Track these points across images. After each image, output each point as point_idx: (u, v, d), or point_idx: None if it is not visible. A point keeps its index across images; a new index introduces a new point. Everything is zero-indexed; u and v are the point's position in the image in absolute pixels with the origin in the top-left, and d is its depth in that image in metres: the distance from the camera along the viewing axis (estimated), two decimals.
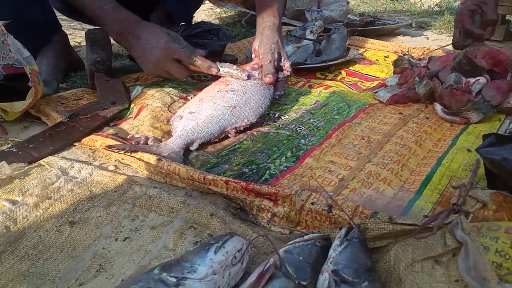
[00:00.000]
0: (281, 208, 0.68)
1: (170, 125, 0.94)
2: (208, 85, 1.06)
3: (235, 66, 1.04)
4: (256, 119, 0.97)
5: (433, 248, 0.51)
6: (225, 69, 1.04)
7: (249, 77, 1.01)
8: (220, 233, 0.62)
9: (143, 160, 0.81)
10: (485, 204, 0.60)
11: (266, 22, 1.13)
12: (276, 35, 1.11)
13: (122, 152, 0.83)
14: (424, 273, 0.49)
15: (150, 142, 0.88)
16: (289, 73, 1.10)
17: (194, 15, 1.67)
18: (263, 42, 1.09)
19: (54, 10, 1.29)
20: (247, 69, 1.05)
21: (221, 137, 0.92)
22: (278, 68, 1.08)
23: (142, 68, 1.08)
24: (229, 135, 0.93)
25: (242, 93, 0.99)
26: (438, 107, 1.03)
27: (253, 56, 1.12)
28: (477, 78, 1.02)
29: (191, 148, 0.88)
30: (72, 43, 1.54)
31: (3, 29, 0.99)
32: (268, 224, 0.68)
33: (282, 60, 1.10)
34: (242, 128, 0.95)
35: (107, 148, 0.85)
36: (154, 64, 1.03)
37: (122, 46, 1.13)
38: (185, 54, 1.02)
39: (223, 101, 0.96)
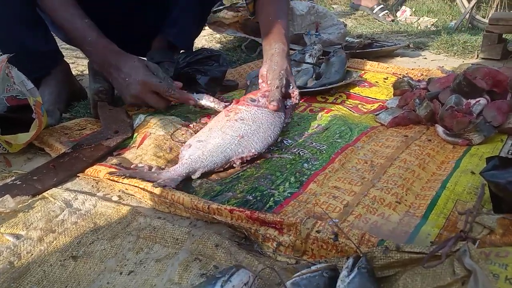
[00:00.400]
0: (286, 237, 0.68)
1: (179, 153, 0.94)
2: (211, 113, 1.07)
3: (212, 98, 1.09)
4: (264, 150, 0.96)
5: (442, 277, 0.51)
6: (202, 101, 1.09)
7: (225, 107, 1.04)
8: (225, 264, 0.62)
9: (147, 190, 0.81)
10: (492, 230, 0.60)
11: (275, 49, 1.13)
12: (285, 62, 1.12)
13: (122, 178, 0.83)
14: None
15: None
16: (297, 101, 1.10)
17: (195, 41, 1.69)
18: (272, 68, 1.09)
19: (56, 39, 1.31)
20: (258, 96, 1.05)
21: (225, 167, 0.92)
22: (286, 95, 1.09)
23: (123, 99, 1.14)
24: (234, 165, 0.92)
25: (252, 122, 0.98)
26: (439, 129, 1.03)
27: (260, 82, 1.13)
28: (477, 99, 1.03)
29: (193, 177, 0.87)
30: (74, 72, 1.56)
31: (7, 61, 1.00)
32: (273, 253, 0.68)
33: (291, 87, 1.10)
34: (248, 158, 0.93)
35: (108, 174, 0.85)
36: (133, 96, 1.09)
37: (105, 76, 1.16)
38: (162, 87, 1.07)
39: (231, 130, 0.95)
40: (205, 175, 0.89)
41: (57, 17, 1.13)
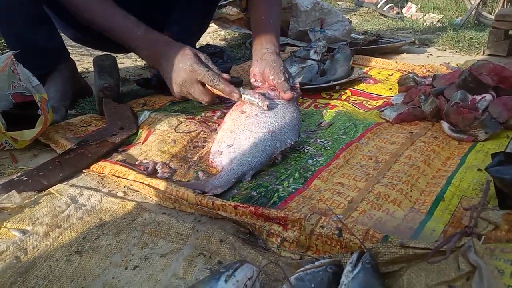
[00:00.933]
0: (290, 232, 0.68)
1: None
2: (216, 109, 1.07)
3: (257, 94, 1.00)
4: (297, 138, 0.97)
5: (447, 273, 0.50)
6: (247, 96, 1.00)
7: (268, 107, 0.97)
8: (230, 259, 0.62)
9: (151, 186, 0.81)
10: (497, 226, 0.60)
11: (267, 49, 1.13)
12: (280, 60, 1.12)
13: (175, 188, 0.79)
14: None
15: (158, 167, 0.88)
16: (300, 92, 1.10)
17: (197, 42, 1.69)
18: (271, 65, 1.09)
19: (63, 37, 1.32)
20: (266, 90, 1.05)
21: (269, 164, 0.91)
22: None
23: (171, 92, 1.10)
24: (276, 160, 0.92)
25: (274, 114, 0.98)
26: (445, 125, 1.03)
27: (253, 81, 1.12)
28: (483, 95, 1.02)
29: (243, 181, 0.86)
30: (79, 69, 1.57)
31: (13, 58, 1.01)
32: (278, 249, 0.68)
33: (291, 81, 1.10)
34: (288, 150, 0.94)
35: (163, 185, 0.81)
36: (178, 86, 1.06)
37: (154, 68, 1.17)
38: (208, 77, 1.01)
39: (257, 127, 0.94)
40: (210, 171, 0.90)
41: (96, 17, 1.12)
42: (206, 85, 1.03)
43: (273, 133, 0.93)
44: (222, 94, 1.02)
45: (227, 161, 0.89)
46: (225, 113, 1.10)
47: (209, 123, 1.08)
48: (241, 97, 1.00)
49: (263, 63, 1.10)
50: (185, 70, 1.03)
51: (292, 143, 0.94)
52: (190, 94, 1.06)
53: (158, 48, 1.09)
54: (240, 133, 0.94)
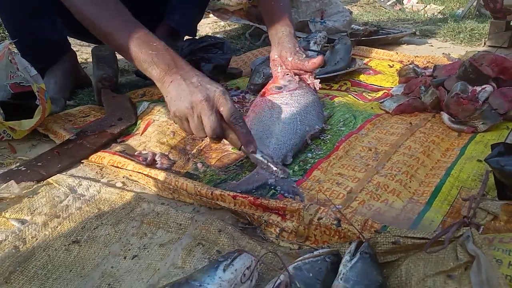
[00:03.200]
0: (289, 223, 0.68)
1: (183, 137, 0.92)
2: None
3: (272, 159, 0.84)
4: (323, 124, 1.00)
5: (445, 262, 0.51)
6: (261, 157, 0.82)
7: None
8: (228, 249, 0.62)
9: (150, 176, 0.81)
10: (496, 216, 0.59)
11: (282, 32, 1.12)
12: (295, 40, 1.12)
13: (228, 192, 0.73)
14: None
15: (157, 158, 0.88)
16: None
17: (198, 28, 1.68)
18: (286, 47, 1.09)
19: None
20: (281, 82, 1.06)
21: (303, 147, 0.93)
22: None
23: (169, 106, 0.82)
24: (308, 141, 0.94)
25: (298, 104, 1.00)
26: (445, 116, 1.02)
27: (272, 65, 1.12)
28: (483, 86, 1.01)
29: (286, 162, 0.87)
30: (78, 59, 1.56)
31: (11, 48, 1.00)
32: (276, 239, 0.68)
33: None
34: (317, 135, 0.96)
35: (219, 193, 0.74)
36: (191, 102, 0.79)
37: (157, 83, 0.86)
38: (234, 111, 0.81)
39: (285, 114, 0.96)
40: (209, 161, 0.90)
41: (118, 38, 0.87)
42: (225, 118, 0.81)
43: (301, 119, 0.95)
44: (233, 140, 0.82)
45: (262, 148, 0.87)
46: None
47: None
48: (254, 153, 0.82)
49: (279, 47, 1.10)
50: (213, 91, 0.80)
51: (319, 128, 0.97)
52: (199, 118, 0.80)
53: (182, 65, 0.84)
54: (268, 120, 0.95)
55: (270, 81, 1.10)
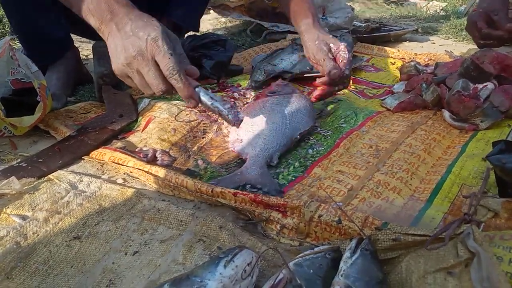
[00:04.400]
0: (290, 219, 0.68)
1: (184, 134, 0.93)
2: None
3: (218, 101, 0.80)
4: (314, 122, 0.99)
5: (445, 259, 0.51)
6: (206, 101, 0.78)
7: (237, 118, 0.80)
8: (229, 246, 0.62)
9: (151, 173, 0.81)
10: (496, 213, 0.59)
11: (301, 27, 1.10)
12: (314, 32, 1.07)
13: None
14: (436, 285, 0.49)
15: (158, 155, 0.88)
16: (345, 52, 1.05)
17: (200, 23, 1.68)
18: (308, 46, 1.06)
19: None
20: (274, 88, 1.07)
21: (290, 146, 0.92)
22: (337, 56, 1.05)
23: (112, 62, 0.78)
24: (295, 138, 0.94)
25: (287, 103, 1.00)
26: (446, 113, 1.02)
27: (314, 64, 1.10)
28: (485, 84, 1.01)
29: (271, 163, 0.86)
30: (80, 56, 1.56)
31: (11, 44, 1.00)
32: (277, 236, 0.68)
33: (333, 47, 1.05)
34: (305, 133, 0.96)
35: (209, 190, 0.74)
36: (127, 58, 0.74)
37: (99, 34, 0.81)
38: (169, 62, 0.73)
39: (275, 114, 0.96)
40: (210, 158, 0.90)
41: None
42: (162, 70, 0.74)
43: (291, 118, 0.95)
44: (174, 92, 0.78)
45: (249, 147, 0.88)
46: (225, 102, 1.11)
47: (209, 113, 1.07)
48: (198, 103, 0.78)
49: (305, 49, 1.08)
50: (145, 40, 0.73)
51: (309, 127, 0.97)
52: (139, 74, 0.76)
53: (117, 10, 0.77)
54: (258, 120, 0.95)
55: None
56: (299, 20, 1.11)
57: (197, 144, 0.95)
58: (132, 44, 0.74)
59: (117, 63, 0.76)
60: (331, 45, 1.05)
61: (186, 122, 1.01)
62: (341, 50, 1.04)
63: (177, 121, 1.01)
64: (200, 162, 0.89)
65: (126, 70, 0.76)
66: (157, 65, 0.74)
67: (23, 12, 1.14)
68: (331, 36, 1.07)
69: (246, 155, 0.87)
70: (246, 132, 0.93)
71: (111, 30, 0.77)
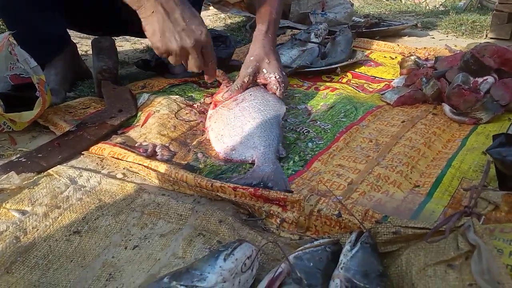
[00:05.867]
0: (290, 213, 0.68)
1: (183, 132, 0.92)
2: (212, 93, 1.10)
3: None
4: (285, 106, 1.00)
5: (446, 252, 0.50)
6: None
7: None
8: (229, 240, 0.62)
9: (151, 168, 0.81)
10: (497, 206, 0.59)
11: (255, 32, 1.11)
12: (258, 45, 1.08)
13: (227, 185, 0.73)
14: (437, 277, 0.48)
15: (158, 150, 0.88)
16: (278, 89, 1.04)
17: None
18: (247, 55, 1.08)
19: None
20: (225, 91, 1.06)
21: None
22: (263, 81, 1.07)
23: (152, 39, 0.91)
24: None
25: (253, 96, 1.00)
26: (446, 107, 1.02)
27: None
28: (485, 78, 1.01)
29: (281, 155, 0.85)
30: (78, 52, 1.55)
31: (10, 39, 1.00)
32: (277, 230, 0.68)
33: (265, 73, 1.06)
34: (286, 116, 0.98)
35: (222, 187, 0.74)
36: (181, 46, 0.89)
37: (136, 9, 0.90)
38: (213, 55, 0.97)
39: (248, 111, 0.95)
40: (209, 153, 0.89)
41: None
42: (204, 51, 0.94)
43: (265, 108, 0.95)
44: (210, 72, 1.00)
45: (250, 150, 0.86)
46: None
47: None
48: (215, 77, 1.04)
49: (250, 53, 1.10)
50: (199, 36, 0.90)
51: (284, 109, 0.98)
52: (182, 57, 0.93)
53: None
54: (237, 123, 0.93)
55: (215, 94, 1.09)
56: (257, 23, 1.13)
57: (197, 139, 0.95)
58: (189, 36, 0.89)
59: (168, 45, 0.90)
60: (264, 70, 1.06)
61: (185, 121, 1.01)
62: (270, 83, 1.05)
63: (177, 119, 1.01)
64: (200, 155, 0.88)
65: (175, 52, 0.91)
66: (201, 53, 0.94)
67: (17, 11, 1.14)
68: (273, 59, 1.07)
69: (252, 157, 0.85)
70: (232, 137, 0.90)
71: (156, 9, 0.88)
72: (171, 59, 0.94)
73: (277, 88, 1.04)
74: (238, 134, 0.90)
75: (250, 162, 0.85)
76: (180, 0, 0.90)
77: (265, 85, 1.07)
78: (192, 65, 0.95)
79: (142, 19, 0.90)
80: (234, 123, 0.93)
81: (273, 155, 0.84)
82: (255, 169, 0.81)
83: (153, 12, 0.87)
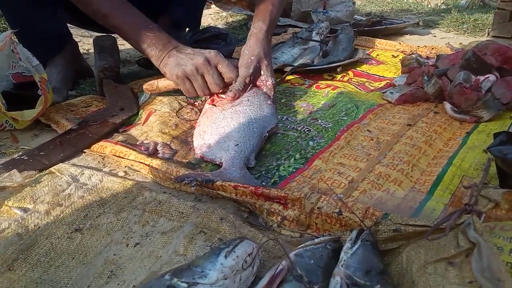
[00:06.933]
0: (291, 211, 0.68)
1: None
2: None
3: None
4: (277, 119, 0.97)
5: (446, 249, 0.51)
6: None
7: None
8: (230, 237, 0.62)
9: (152, 166, 0.81)
10: (497, 204, 0.60)
11: (254, 29, 1.09)
12: (258, 46, 1.06)
13: (193, 184, 0.74)
14: (437, 275, 0.49)
15: (159, 148, 0.88)
16: (270, 91, 1.05)
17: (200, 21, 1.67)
18: (244, 53, 1.06)
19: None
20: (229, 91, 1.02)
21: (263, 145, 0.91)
22: (255, 83, 1.05)
23: (170, 71, 0.99)
24: (264, 136, 0.91)
25: (249, 102, 0.97)
26: (447, 106, 1.02)
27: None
28: (486, 76, 1.01)
29: (249, 165, 0.83)
30: (80, 50, 1.55)
31: (12, 37, 1.00)
32: (278, 227, 0.68)
33: (263, 74, 1.05)
34: (273, 130, 0.94)
35: (176, 180, 0.77)
36: (194, 64, 0.97)
37: (155, 60, 1.02)
38: (233, 71, 1.00)
39: (238, 114, 0.93)
40: None
41: (115, 18, 1.02)
42: (225, 75, 0.99)
43: (256, 117, 0.93)
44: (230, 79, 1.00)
45: (221, 152, 0.85)
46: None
47: None
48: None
49: (242, 54, 1.07)
50: (209, 53, 0.98)
51: (274, 124, 0.95)
52: (202, 77, 0.98)
53: (175, 42, 1.02)
54: (223, 123, 0.91)
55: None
56: (257, 20, 1.11)
57: None
58: (200, 55, 0.97)
59: (183, 69, 0.97)
60: (262, 72, 1.05)
61: (187, 120, 1.01)
62: (264, 86, 1.05)
63: (178, 117, 1.01)
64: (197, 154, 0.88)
65: (191, 74, 0.97)
66: (218, 71, 0.99)
67: (17, 8, 1.14)
68: (270, 62, 1.07)
69: (220, 159, 0.84)
70: (212, 135, 0.89)
71: (172, 54, 1.00)
72: (185, 86, 0.99)
73: (270, 94, 1.04)
74: (218, 134, 0.89)
75: (218, 163, 0.84)
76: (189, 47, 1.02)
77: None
78: (211, 82, 0.98)
79: (164, 69, 1.01)
80: (219, 123, 0.92)
81: (242, 161, 0.82)
82: (222, 171, 0.80)
83: (169, 56, 0.99)
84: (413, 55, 1.27)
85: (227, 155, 0.84)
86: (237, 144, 0.86)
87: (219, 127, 0.91)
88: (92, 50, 1.49)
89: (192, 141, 0.93)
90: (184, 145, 0.92)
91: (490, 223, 0.55)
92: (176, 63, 0.98)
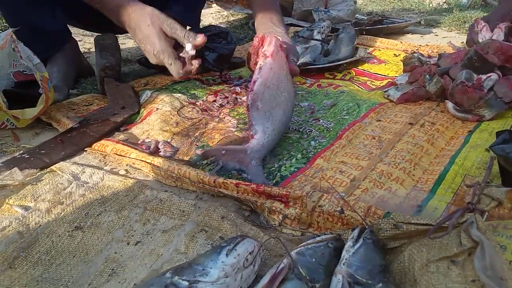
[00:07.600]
0: (292, 210, 0.68)
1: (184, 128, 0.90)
2: (218, 90, 1.08)
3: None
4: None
5: (448, 248, 0.50)
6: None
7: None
8: (231, 235, 0.62)
9: (154, 165, 0.81)
10: (500, 202, 0.59)
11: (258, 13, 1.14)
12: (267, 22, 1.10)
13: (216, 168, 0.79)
14: (439, 273, 0.48)
15: (160, 146, 0.88)
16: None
17: (201, 18, 1.67)
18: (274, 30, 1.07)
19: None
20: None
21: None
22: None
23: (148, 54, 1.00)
24: None
25: (290, 94, 0.95)
26: (449, 104, 1.02)
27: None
28: (488, 75, 1.00)
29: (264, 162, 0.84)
30: (81, 49, 1.55)
31: (13, 36, 1.00)
32: (279, 226, 0.68)
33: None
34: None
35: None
36: (155, 59, 0.98)
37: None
38: (169, 22, 0.98)
39: (287, 103, 0.92)
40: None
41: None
42: (167, 31, 0.97)
43: (291, 114, 0.96)
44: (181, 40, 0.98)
45: (260, 127, 0.84)
46: (227, 98, 1.11)
47: (210, 112, 1.07)
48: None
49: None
50: (148, 13, 0.99)
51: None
52: (162, 52, 0.97)
53: (131, 14, 1.01)
54: (274, 105, 0.88)
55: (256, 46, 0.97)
56: (267, 12, 1.14)
57: (199, 131, 0.95)
58: (150, 46, 0.98)
59: (153, 60, 1.00)
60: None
61: (188, 119, 1.01)
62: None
63: (179, 116, 1.01)
64: (198, 151, 0.88)
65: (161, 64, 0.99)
66: (162, 31, 0.98)
67: (18, 7, 1.14)
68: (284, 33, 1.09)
69: (255, 133, 0.84)
70: (264, 104, 0.86)
71: (135, 37, 1.02)
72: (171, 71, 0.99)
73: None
74: (270, 100, 0.87)
75: (249, 135, 0.85)
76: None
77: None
78: (174, 71, 0.97)
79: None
80: (272, 103, 0.88)
81: (263, 155, 0.84)
82: (248, 152, 0.81)
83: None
84: (415, 54, 1.27)
85: (261, 137, 0.84)
86: (272, 135, 0.86)
87: (271, 108, 0.87)
88: (93, 49, 1.49)
89: (193, 134, 0.93)
90: (185, 140, 0.92)
91: (493, 221, 0.55)
92: (145, 46, 0.99)
